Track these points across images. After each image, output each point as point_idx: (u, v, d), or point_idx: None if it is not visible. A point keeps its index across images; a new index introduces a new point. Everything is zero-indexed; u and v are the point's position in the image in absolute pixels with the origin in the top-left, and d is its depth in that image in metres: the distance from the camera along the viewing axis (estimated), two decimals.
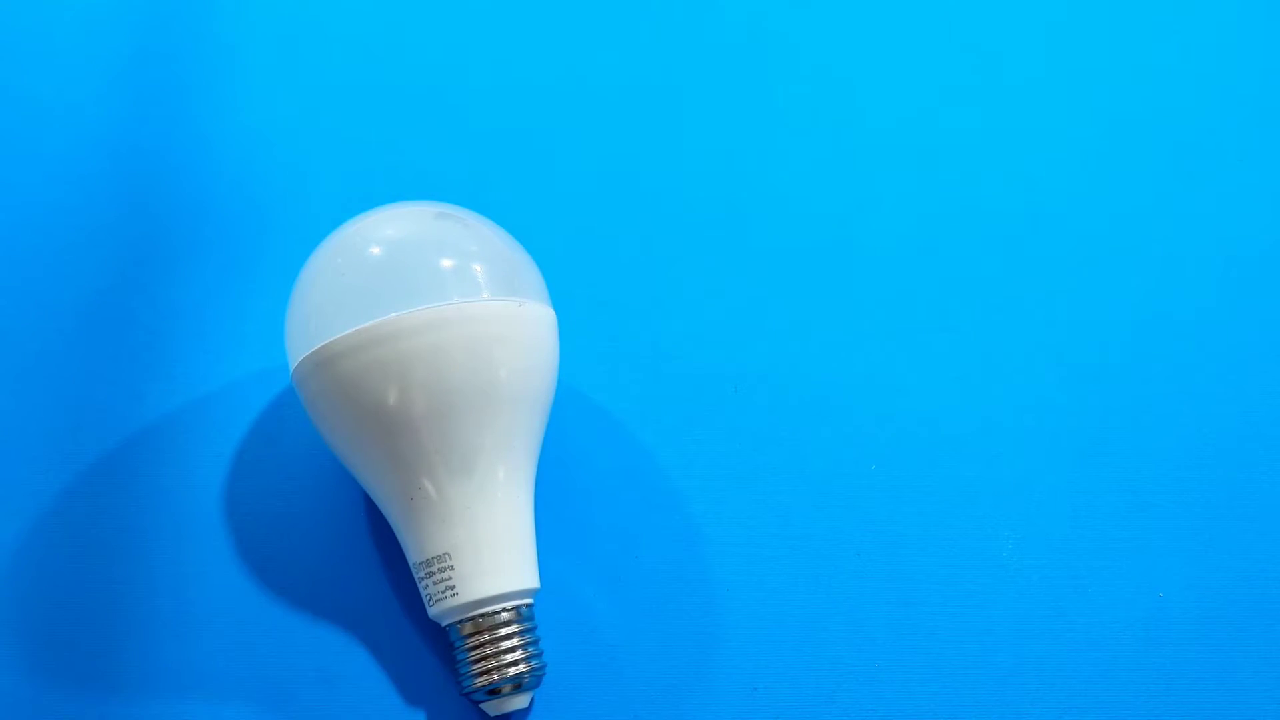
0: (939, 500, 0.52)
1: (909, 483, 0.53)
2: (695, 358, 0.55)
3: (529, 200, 0.58)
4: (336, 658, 0.49)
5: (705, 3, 0.63)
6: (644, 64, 0.62)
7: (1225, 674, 0.50)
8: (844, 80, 0.61)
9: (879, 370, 0.55)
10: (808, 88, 0.61)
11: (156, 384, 0.54)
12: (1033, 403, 0.54)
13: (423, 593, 0.47)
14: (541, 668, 0.48)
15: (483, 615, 0.47)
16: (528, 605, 0.48)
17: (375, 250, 0.47)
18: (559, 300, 0.50)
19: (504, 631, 0.47)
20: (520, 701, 0.48)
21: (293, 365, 0.47)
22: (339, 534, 0.51)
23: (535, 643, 0.48)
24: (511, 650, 0.47)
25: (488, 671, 0.47)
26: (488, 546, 0.46)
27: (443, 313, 0.45)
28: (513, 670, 0.47)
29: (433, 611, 0.47)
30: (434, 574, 0.46)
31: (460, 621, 0.47)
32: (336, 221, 0.49)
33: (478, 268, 0.47)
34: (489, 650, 0.47)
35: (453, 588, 0.46)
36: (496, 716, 0.48)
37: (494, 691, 0.47)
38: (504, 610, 0.47)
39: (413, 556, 0.47)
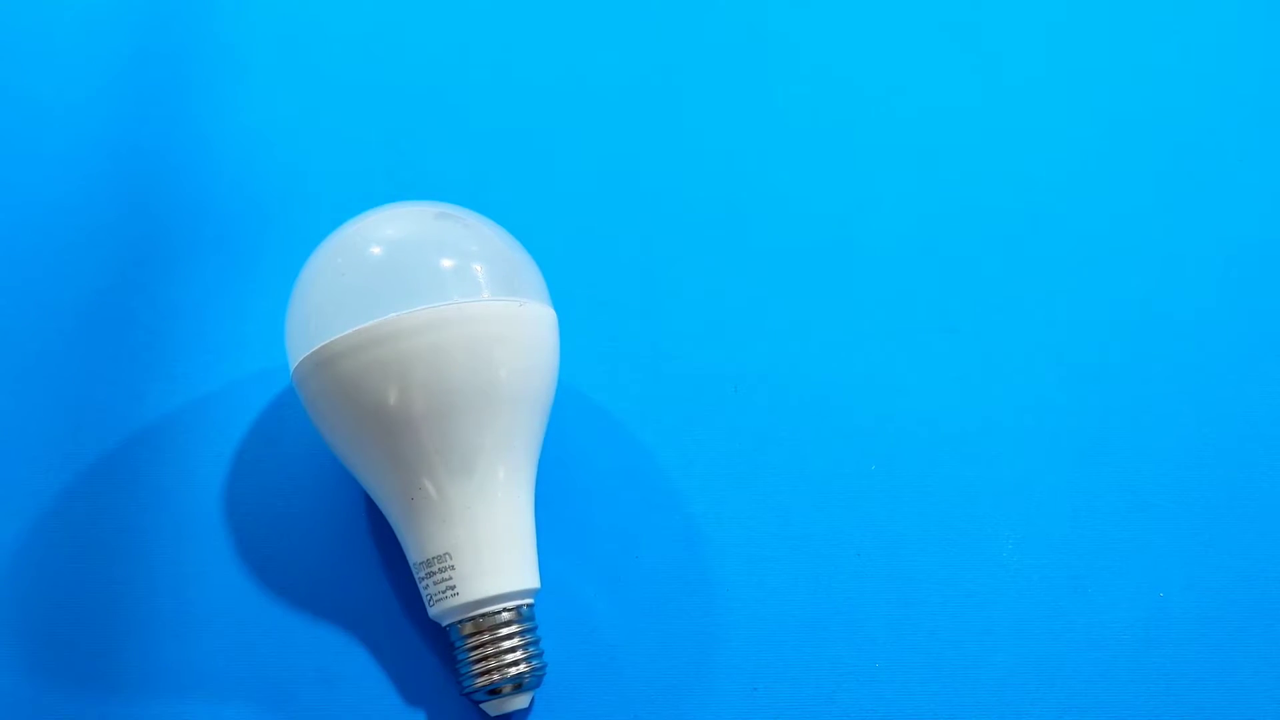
0: (939, 500, 0.52)
1: (909, 483, 0.53)
2: (695, 358, 0.55)
3: (529, 200, 0.58)
4: (336, 658, 0.49)
5: (705, 3, 0.63)
6: (644, 64, 0.62)
7: (1225, 674, 0.50)
8: (844, 80, 0.61)
9: (879, 370, 0.55)
10: (808, 88, 0.61)
11: (156, 384, 0.54)
12: (1033, 403, 0.54)
13: (423, 593, 0.47)
14: (542, 668, 0.48)
15: (483, 615, 0.47)
16: (528, 605, 0.48)
17: (375, 250, 0.47)
18: (559, 300, 0.50)
19: (504, 631, 0.47)
20: (520, 701, 0.48)
21: (293, 365, 0.47)
22: (339, 534, 0.51)
23: (536, 643, 0.48)
24: (512, 650, 0.47)
25: (488, 671, 0.47)
26: (488, 546, 0.46)
27: (443, 313, 0.45)
28: (513, 670, 0.47)
29: (433, 611, 0.47)
30: (434, 574, 0.46)
31: (461, 621, 0.47)
32: (336, 221, 0.49)
33: (478, 268, 0.47)
34: (489, 650, 0.47)
35: (453, 588, 0.46)
36: (497, 716, 0.48)
37: (494, 691, 0.47)
38: (504, 610, 0.47)
39: (413, 556, 0.47)
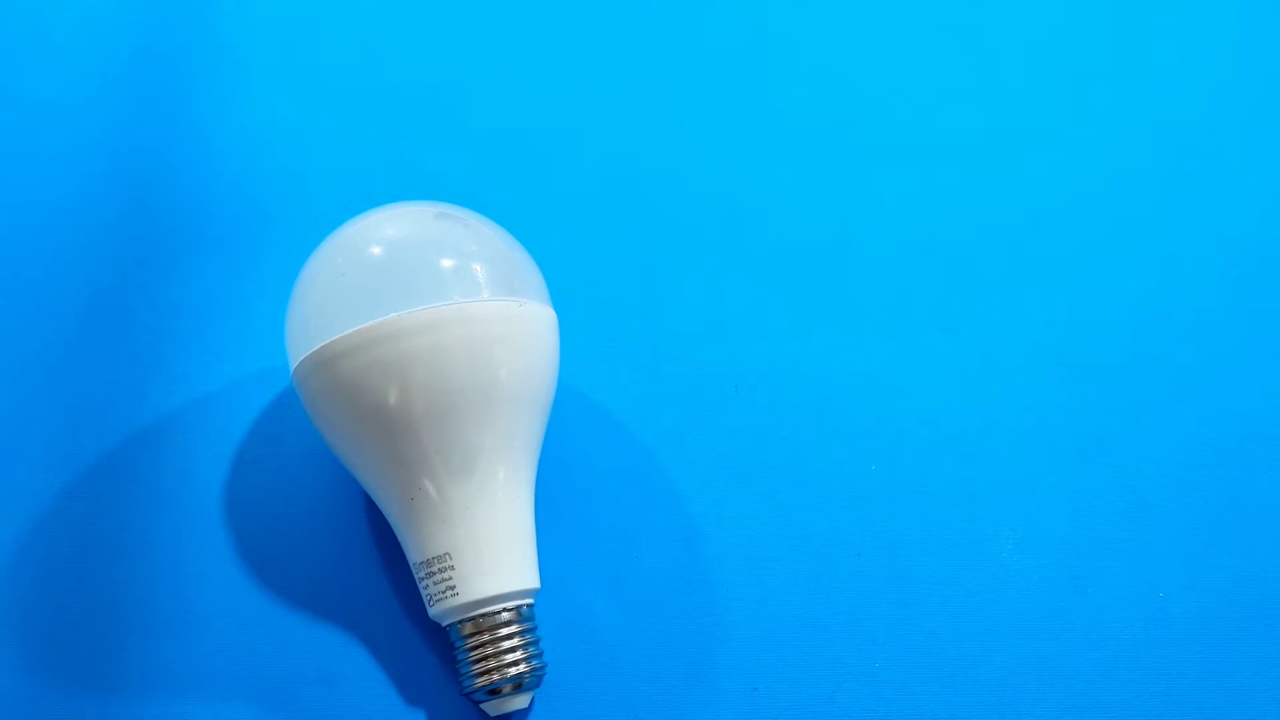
0: (939, 500, 0.52)
1: (909, 483, 0.53)
2: (695, 358, 0.55)
3: (529, 200, 0.58)
4: (336, 658, 0.49)
5: (705, 3, 0.63)
6: (644, 64, 0.62)
7: (1225, 674, 0.50)
8: (844, 80, 0.61)
9: (879, 370, 0.55)
10: (808, 88, 0.61)
11: (156, 384, 0.54)
12: (1033, 403, 0.54)
13: (423, 593, 0.47)
14: (542, 668, 0.48)
15: (483, 615, 0.47)
16: (528, 605, 0.48)
17: (375, 250, 0.47)
18: (559, 300, 0.50)
19: (504, 631, 0.47)
20: (520, 701, 0.48)
21: (293, 365, 0.47)
22: (339, 534, 0.51)
23: (535, 643, 0.48)
24: (512, 650, 0.47)
25: (488, 671, 0.47)
26: (488, 546, 0.46)
27: (443, 313, 0.45)
28: (513, 670, 0.47)
29: (433, 611, 0.47)
30: (434, 574, 0.46)
31: (461, 621, 0.47)
32: (336, 221, 0.49)
33: (478, 268, 0.47)
34: (489, 650, 0.47)
35: (453, 588, 0.46)
36: (496, 716, 0.48)
37: (494, 691, 0.47)
38: (504, 610, 0.47)
39: (413, 556, 0.47)
